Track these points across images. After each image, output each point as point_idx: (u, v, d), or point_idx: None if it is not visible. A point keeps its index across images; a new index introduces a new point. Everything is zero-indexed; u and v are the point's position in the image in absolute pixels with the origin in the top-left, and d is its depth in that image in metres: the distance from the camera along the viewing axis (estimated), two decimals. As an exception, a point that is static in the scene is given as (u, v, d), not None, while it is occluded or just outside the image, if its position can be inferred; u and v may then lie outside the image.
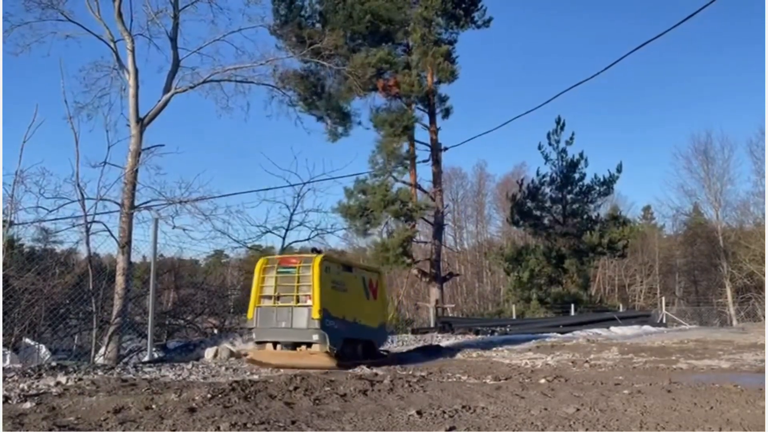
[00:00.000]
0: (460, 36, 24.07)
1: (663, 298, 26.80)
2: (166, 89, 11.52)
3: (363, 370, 7.45)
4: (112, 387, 5.85)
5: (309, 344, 7.79)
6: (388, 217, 22.21)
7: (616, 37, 60.33)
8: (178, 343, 11.50)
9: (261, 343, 8.16)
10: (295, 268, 8.03)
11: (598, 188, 27.28)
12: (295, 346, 7.94)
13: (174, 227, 10.64)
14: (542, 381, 6.35)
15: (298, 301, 7.86)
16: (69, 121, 10.62)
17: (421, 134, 23.76)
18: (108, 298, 10.26)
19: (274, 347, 8.04)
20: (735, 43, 62.85)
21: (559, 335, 14.65)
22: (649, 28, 68.50)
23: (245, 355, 8.34)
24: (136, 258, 11.64)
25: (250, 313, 8.20)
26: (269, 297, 8.06)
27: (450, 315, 23.50)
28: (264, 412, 4.57)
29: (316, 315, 7.64)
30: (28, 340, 9.57)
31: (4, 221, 9.62)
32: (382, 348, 9.34)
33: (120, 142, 11.00)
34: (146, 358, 8.97)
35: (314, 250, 8.66)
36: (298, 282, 7.92)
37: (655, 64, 63.63)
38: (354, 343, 8.45)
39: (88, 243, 10.03)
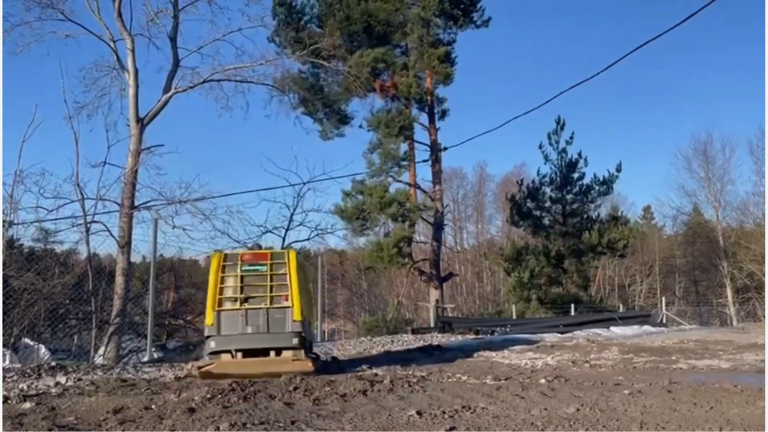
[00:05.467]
0: (459, 36, 24.12)
1: (663, 298, 26.78)
2: (166, 89, 11.54)
3: (363, 370, 7.44)
4: (112, 387, 5.85)
5: (279, 350, 6.88)
6: (386, 219, 22.20)
7: (617, 37, 60.40)
8: (178, 343, 11.51)
9: (216, 353, 6.94)
10: (265, 265, 7.14)
11: (597, 188, 27.23)
12: (261, 353, 6.90)
13: (174, 227, 10.68)
14: (542, 381, 6.34)
15: (272, 302, 6.96)
16: (69, 121, 10.69)
17: (421, 134, 23.81)
18: (107, 298, 10.27)
19: (233, 356, 6.93)
20: (736, 44, 63.00)
21: (559, 335, 14.63)
22: (649, 28, 68.54)
23: (200, 368, 6.75)
24: (135, 258, 11.68)
25: (209, 318, 6.93)
26: (234, 299, 7.02)
27: (450, 315, 23.49)
28: (264, 412, 4.57)
29: (297, 317, 6.86)
30: (27, 340, 9.58)
31: (4, 221, 9.62)
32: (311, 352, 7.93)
33: (120, 142, 11.05)
34: (146, 358, 8.98)
35: (257, 246, 7.74)
36: (272, 281, 7.03)
37: (655, 63, 63.68)
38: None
39: (87, 243, 10.09)
